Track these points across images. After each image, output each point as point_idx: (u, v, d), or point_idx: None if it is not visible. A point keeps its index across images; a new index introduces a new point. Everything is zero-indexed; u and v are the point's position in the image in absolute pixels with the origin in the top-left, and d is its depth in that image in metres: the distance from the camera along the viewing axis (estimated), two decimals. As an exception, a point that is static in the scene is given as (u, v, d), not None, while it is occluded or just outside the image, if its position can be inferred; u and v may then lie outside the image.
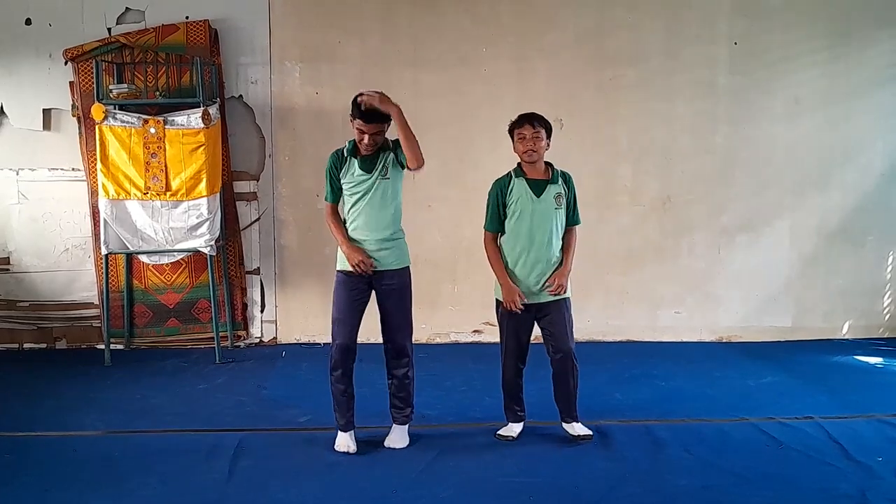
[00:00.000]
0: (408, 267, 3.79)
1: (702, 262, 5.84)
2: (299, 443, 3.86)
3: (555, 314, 3.81)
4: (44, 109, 5.53)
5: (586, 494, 3.31)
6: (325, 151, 3.83)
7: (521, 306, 3.74)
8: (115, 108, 5.20)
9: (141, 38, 5.39)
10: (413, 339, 3.87)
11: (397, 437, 3.82)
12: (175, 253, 5.30)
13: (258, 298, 5.78)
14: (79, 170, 5.56)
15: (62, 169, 5.58)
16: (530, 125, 3.74)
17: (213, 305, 5.35)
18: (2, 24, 5.48)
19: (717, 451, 3.74)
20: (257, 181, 5.72)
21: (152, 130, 5.14)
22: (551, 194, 3.76)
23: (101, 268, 5.38)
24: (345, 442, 3.74)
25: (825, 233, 5.86)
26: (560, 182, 3.80)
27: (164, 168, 5.15)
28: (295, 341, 5.76)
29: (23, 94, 5.52)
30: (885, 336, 5.90)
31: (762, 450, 3.77)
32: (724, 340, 5.86)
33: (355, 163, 3.68)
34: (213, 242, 5.23)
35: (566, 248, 3.82)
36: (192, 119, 5.13)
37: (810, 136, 5.78)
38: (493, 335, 5.57)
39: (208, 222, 5.20)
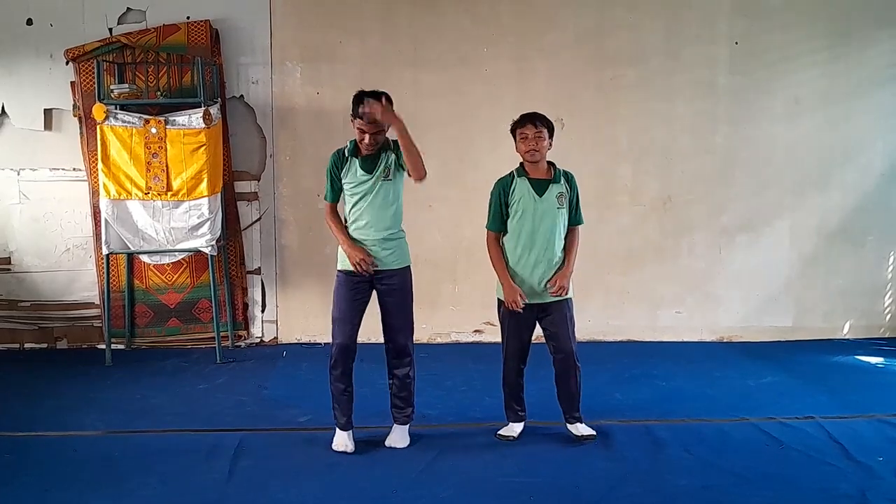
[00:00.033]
0: (408, 266, 3.79)
1: (702, 262, 5.84)
2: (299, 443, 3.86)
3: (556, 314, 3.81)
4: (45, 109, 5.54)
5: (586, 494, 3.31)
6: (325, 151, 3.84)
7: (522, 306, 3.74)
8: (116, 108, 5.21)
9: (142, 38, 5.40)
10: (414, 339, 3.87)
11: (398, 437, 3.83)
12: (176, 253, 5.30)
13: (259, 298, 5.79)
14: (80, 170, 5.57)
15: (63, 169, 5.59)
16: (532, 125, 3.74)
17: (213, 305, 5.35)
18: (3, 25, 5.49)
19: (717, 451, 3.74)
20: (258, 181, 5.72)
21: (153, 130, 5.14)
22: (553, 194, 3.77)
23: (102, 268, 5.38)
24: (343, 441, 3.75)
25: (825, 233, 5.86)
26: (562, 182, 3.80)
27: (165, 168, 5.16)
28: (295, 341, 5.77)
29: (24, 94, 5.52)
30: (886, 336, 5.90)
31: (762, 450, 3.77)
32: (725, 340, 5.86)
33: (356, 163, 3.68)
34: (214, 242, 5.23)
35: (568, 248, 3.82)
36: (193, 119, 5.13)
37: (810, 136, 5.78)
38: (493, 335, 5.58)
39: (209, 222, 5.20)
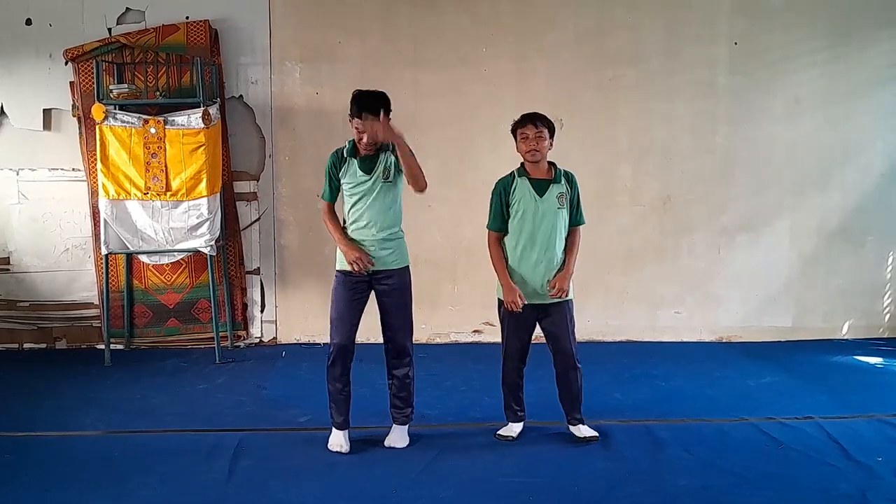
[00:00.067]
0: (407, 267, 3.79)
1: (702, 262, 5.84)
2: (299, 443, 3.86)
3: (556, 315, 3.81)
4: (44, 109, 5.54)
5: (586, 494, 3.31)
6: (325, 151, 3.83)
7: (521, 307, 3.74)
8: (115, 108, 5.21)
9: (141, 38, 5.40)
10: (413, 339, 3.87)
11: (397, 437, 3.83)
12: (175, 253, 5.30)
13: (258, 298, 5.78)
14: (79, 170, 5.56)
15: (62, 169, 5.58)
16: (533, 125, 3.74)
17: (213, 305, 5.35)
18: (2, 25, 5.49)
19: (717, 451, 3.74)
20: (257, 181, 5.72)
21: (152, 130, 5.14)
22: (554, 194, 3.76)
23: (102, 268, 5.38)
24: (338, 441, 3.75)
25: (825, 233, 5.86)
26: (563, 182, 3.79)
27: (164, 168, 5.16)
28: (295, 341, 5.77)
29: (23, 94, 5.52)
30: (886, 336, 5.90)
31: (762, 450, 3.77)
32: (724, 340, 5.86)
33: (355, 163, 3.68)
34: (213, 242, 5.23)
35: (569, 249, 3.81)
36: (192, 119, 5.13)
37: (810, 136, 5.78)
38: (493, 335, 5.58)
39: (208, 222, 5.20)
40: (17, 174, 5.58)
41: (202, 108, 5.13)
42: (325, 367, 3.77)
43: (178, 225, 5.19)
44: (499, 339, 3.98)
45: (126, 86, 5.26)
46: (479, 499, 3.29)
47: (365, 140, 3.59)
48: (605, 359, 5.25)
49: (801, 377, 4.95)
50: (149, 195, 5.17)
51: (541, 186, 3.76)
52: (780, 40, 5.72)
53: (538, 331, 3.88)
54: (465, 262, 5.71)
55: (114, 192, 5.16)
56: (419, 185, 3.62)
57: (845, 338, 5.88)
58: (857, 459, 3.61)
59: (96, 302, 5.62)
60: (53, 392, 4.68)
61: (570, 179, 3.83)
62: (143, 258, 5.41)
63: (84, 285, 5.66)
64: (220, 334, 5.44)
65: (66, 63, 5.44)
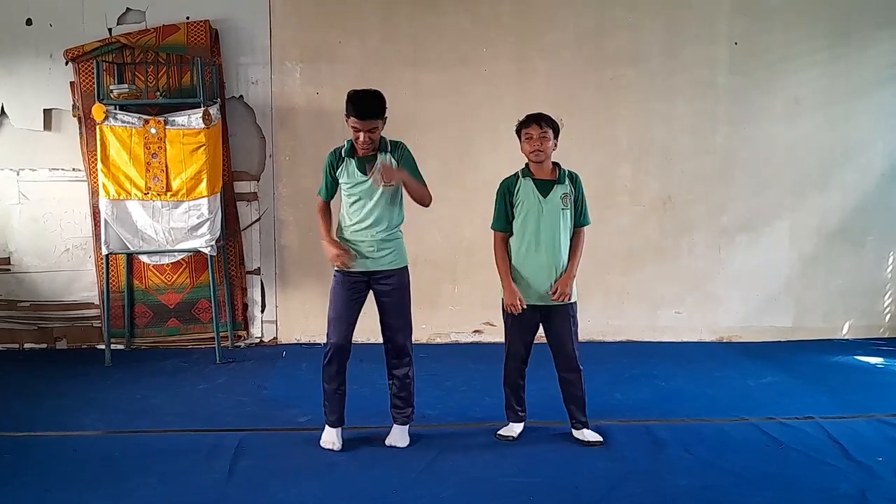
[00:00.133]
0: (406, 267, 3.79)
1: (702, 262, 5.85)
2: (299, 443, 3.86)
3: (560, 318, 3.80)
4: (44, 109, 5.54)
5: (586, 494, 3.31)
6: (325, 151, 3.83)
7: (521, 309, 3.74)
8: (115, 109, 5.21)
9: (141, 38, 5.40)
10: (413, 339, 3.87)
11: (398, 437, 3.83)
12: (175, 253, 5.30)
13: (258, 298, 5.79)
14: (79, 170, 5.56)
15: (63, 169, 5.58)
16: (537, 125, 3.74)
17: (213, 305, 5.35)
18: (2, 25, 5.49)
19: (717, 451, 3.74)
20: (258, 181, 5.72)
21: (153, 131, 5.14)
22: (558, 195, 3.76)
23: (102, 268, 5.38)
24: (331, 438, 3.76)
25: (825, 233, 5.86)
26: (567, 182, 3.79)
27: (164, 168, 5.16)
28: (295, 341, 5.77)
29: (23, 94, 5.52)
30: (886, 336, 5.90)
31: (762, 450, 3.77)
32: (724, 340, 5.86)
33: (353, 163, 3.68)
34: (213, 242, 5.23)
35: (573, 250, 3.80)
36: (192, 119, 5.13)
37: (810, 136, 5.78)
38: (493, 335, 5.60)
39: (209, 222, 5.20)
40: (18, 174, 5.58)
41: (202, 109, 5.13)
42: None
43: (178, 225, 5.19)
44: (499, 339, 3.99)
45: (126, 86, 5.26)
46: (479, 499, 3.29)
47: (361, 139, 3.58)
48: (605, 359, 5.25)
49: (801, 377, 4.95)
50: (149, 195, 5.18)
51: (545, 187, 3.76)
52: (780, 40, 5.72)
53: (540, 331, 3.88)
54: (465, 262, 5.72)
55: (114, 192, 5.17)
56: (424, 203, 3.75)
57: (845, 338, 5.88)
58: (857, 459, 3.62)
59: (97, 302, 5.62)
60: (54, 392, 4.68)
61: (574, 180, 3.82)
62: (144, 258, 5.41)
63: (84, 285, 5.66)
64: (221, 334, 5.44)
65: (67, 63, 5.44)
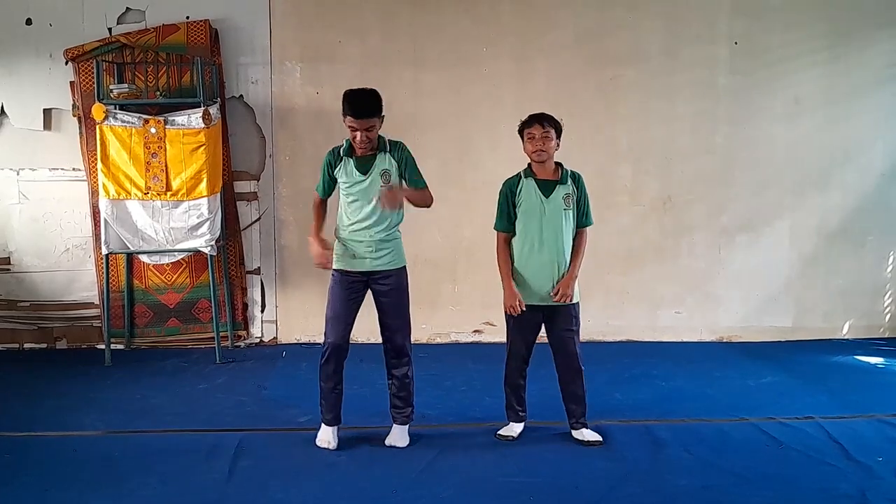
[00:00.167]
0: (404, 267, 3.79)
1: (702, 262, 5.84)
2: (299, 443, 3.85)
3: (562, 318, 3.80)
4: (44, 109, 5.54)
5: (586, 494, 3.31)
6: (325, 151, 3.82)
7: (520, 311, 3.74)
8: (115, 108, 5.21)
9: (141, 38, 5.40)
10: (413, 339, 3.87)
11: (398, 437, 3.83)
12: (175, 253, 5.30)
13: (258, 298, 5.79)
14: (79, 170, 5.56)
15: (63, 169, 5.58)
16: (540, 125, 3.74)
17: (213, 305, 5.35)
18: (2, 24, 5.48)
19: (717, 451, 3.74)
20: (258, 181, 5.72)
21: (153, 130, 5.14)
22: (560, 195, 3.75)
23: (102, 268, 5.38)
24: (326, 437, 3.77)
25: (825, 233, 5.86)
26: (569, 182, 3.78)
27: (164, 168, 5.16)
28: (295, 341, 5.77)
29: (23, 94, 5.52)
30: (886, 336, 5.90)
31: (762, 450, 3.77)
32: (724, 340, 5.86)
33: (351, 162, 3.68)
34: (213, 242, 5.23)
35: (575, 251, 3.79)
36: (192, 119, 5.13)
37: (810, 136, 5.78)
38: (493, 335, 5.60)
39: (209, 222, 5.20)
40: (18, 174, 5.58)
41: (202, 108, 5.13)
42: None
43: (178, 225, 5.19)
44: (499, 339, 3.99)
45: (126, 86, 5.26)
46: (479, 499, 3.29)
47: (359, 138, 3.58)
48: (605, 359, 5.25)
49: (801, 377, 4.95)
50: (149, 195, 5.18)
51: (547, 187, 3.75)
52: (780, 40, 5.72)
53: (542, 331, 3.87)
54: (465, 262, 5.71)
55: (114, 192, 5.17)
56: (426, 206, 3.77)
57: (845, 338, 5.88)
58: (857, 459, 3.62)
59: (97, 302, 5.62)
60: (53, 392, 4.68)
61: (576, 180, 3.81)
62: (144, 258, 5.41)
63: (84, 285, 5.66)
64: (221, 334, 5.44)
65: (67, 63, 5.44)
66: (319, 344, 5.47)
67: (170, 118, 5.16)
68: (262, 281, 5.78)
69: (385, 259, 3.71)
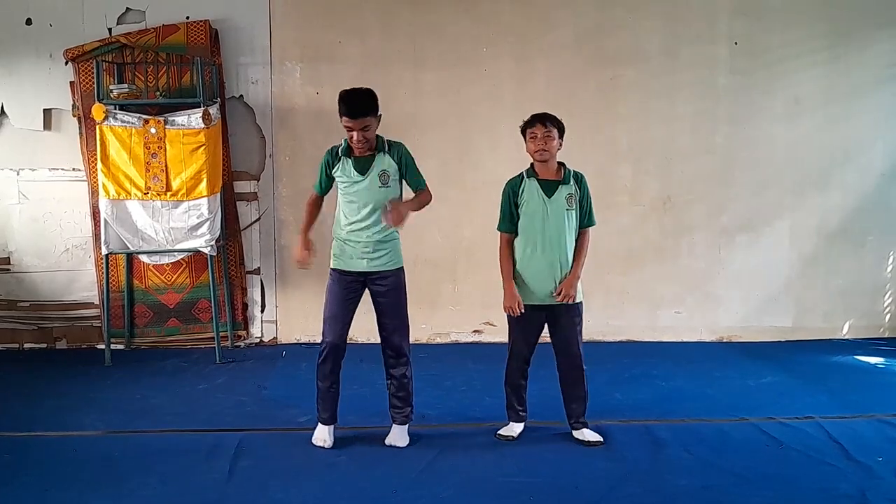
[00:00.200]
0: (401, 268, 3.78)
1: (702, 262, 5.84)
2: (299, 443, 3.85)
3: (565, 318, 3.80)
4: (44, 109, 5.54)
5: (586, 494, 3.31)
6: (324, 151, 3.83)
7: (519, 313, 3.74)
8: (115, 108, 5.21)
9: (141, 38, 5.40)
10: (413, 339, 3.88)
11: (397, 437, 3.83)
12: (175, 253, 5.30)
13: (258, 298, 5.79)
14: (79, 170, 5.56)
15: (63, 169, 5.58)
16: (542, 125, 3.74)
17: (213, 305, 5.35)
18: (2, 24, 5.49)
19: (717, 451, 3.74)
20: (258, 181, 5.72)
21: (153, 130, 5.14)
22: (563, 195, 3.75)
23: (102, 268, 5.38)
24: (322, 436, 3.78)
25: (825, 233, 5.86)
26: (572, 182, 3.78)
27: (164, 168, 5.16)
28: (295, 341, 5.77)
29: (23, 94, 5.52)
30: (886, 336, 5.90)
31: (762, 450, 3.77)
32: (724, 340, 5.86)
33: (350, 163, 3.67)
34: (213, 242, 5.23)
35: (578, 251, 3.79)
36: (192, 119, 5.13)
37: (810, 136, 5.78)
38: (493, 335, 5.60)
39: (209, 222, 5.20)
40: (18, 174, 5.58)
41: (202, 108, 5.13)
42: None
43: (178, 225, 5.19)
44: (499, 339, 4.00)
45: (126, 86, 5.26)
46: (479, 499, 3.29)
47: (356, 138, 3.57)
48: (605, 359, 5.25)
49: (801, 377, 4.95)
50: (149, 195, 5.18)
51: (549, 187, 3.75)
52: (780, 40, 5.72)
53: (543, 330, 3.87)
54: (465, 262, 5.71)
55: (114, 192, 5.17)
56: (427, 204, 3.76)
57: (845, 338, 5.88)
58: (857, 459, 3.62)
59: (96, 302, 5.62)
60: (53, 392, 4.68)
61: (579, 180, 3.81)
62: (144, 258, 5.41)
63: (84, 285, 5.66)
64: (221, 334, 5.44)
65: (67, 63, 5.45)
66: (319, 344, 5.53)
67: (170, 118, 5.16)
68: (261, 281, 5.78)
69: (382, 260, 3.71)
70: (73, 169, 5.57)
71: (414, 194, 3.75)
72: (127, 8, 5.49)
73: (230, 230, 5.65)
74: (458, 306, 5.78)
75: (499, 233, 3.85)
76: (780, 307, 5.88)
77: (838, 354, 5.48)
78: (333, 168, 3.71)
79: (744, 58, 5.70)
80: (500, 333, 3.99)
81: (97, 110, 5.10)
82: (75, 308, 5.68)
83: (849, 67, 5.75)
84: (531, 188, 3.76)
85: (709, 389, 4.71)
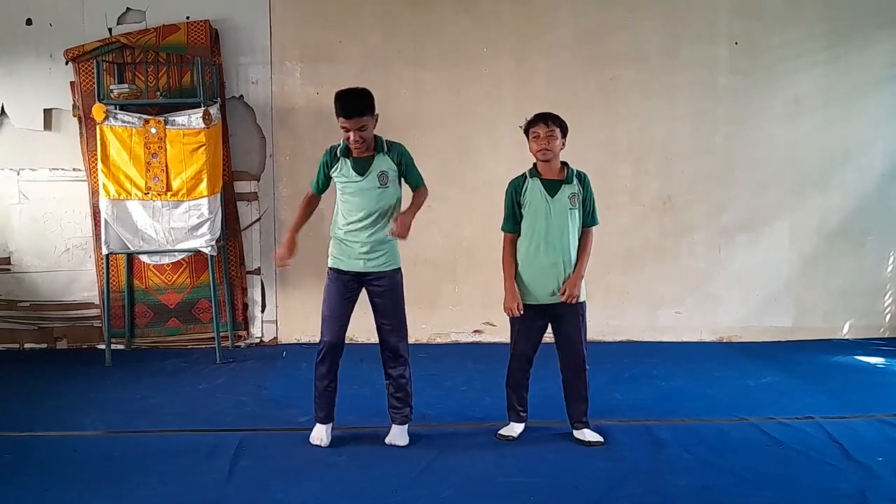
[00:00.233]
0: (399, 268, 3.78)
1: (702, 262, 5.85)
2: (299, 443, 3.85)
3: (569, 318, 3.79)
4: (44, 109, 5.54)
5: (586, 494, 3.31)
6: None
7: (518, 314, 3.74)
8: (115, 108, 5.21)
9: (142, 38, 5.40)
10: (413, 339, 3.89)
11: (397, 436, 3.82)
12: (176, 253, 5.30)
13: (259, 298, 5.79)
14: (79, 170, 5.57)
15: (63, 169, 5.58)
16: (545, 124, 3.74)
17: (213, 305, 5.35)
18: (2, 24, 5.49)
19: (717, 451, 3.74)
20: (258, 181, 5.72)
21: (153, 130, 5.14)
22: (566, 194, 3.75)
23: (102, 268, 5.38)
24: (319, 435, 3.78)
25: (825, 233, 5.86)
26: (575, 182, 3.78)
27: (164, 168, 5.16)
28: (295, 341, 5.77)
29: (23, 94, 5.52)
30: (886, 336, 5.90)
31: (762, 450, 3.77)
32: (724, 340, 5.86)
33: (348, 163, 3.67)
34: (213, 242, 5.23)
35: (581, 251, 3.79)
36: (192, 119, 5.13)
37: (810, 136, 5.78)
38: (493, 335, 5.60)
39: (209, 222, 5.20)
40: (18, 174, 5.58)
41: (203, 108, 5.13)
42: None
43: (178, 225, 5.19)
44: (500, 339, 4.00)
45: (126, 86, 5.26)
46: (479, 499, 3.29)
47: (353, 138, 3.57)
48: (605, 359, 5.23)
49: (801, 377, 4.95)
50: (149, 195, 5.18)
51: (552, 187, 3.75)
52: (780, 40, 5.72)
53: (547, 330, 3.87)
54: (465, 262, 5.71)
55: (114, 192, 5.17)
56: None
57: (846, 338, 5.88)
58: (857, 459, 3.62)
59: (97, 302, 5.62)
60: (53, 392, 4.68)
61: (582, 180, 3.81)
62: (144, 258, 5.41)
63: (84, 285, 5.66)
64: (221, 334, 5.44)
65: (67, 63, 5.45)
66: (317, 343, 5.53)
67: (170, 118, 5.16)
68: (262, 281, 5.78)
69: (380, 261, 3.70)
70: (74, 169, 5.57)
71: (413, 193, 3.74)
72: (127, 8, 5.49)
73: (230, 230, 5.65)
74: (458, 306, 5.78)
75: (503, 233, 3.85)
76: (780, 307, 5.88)
77: (838, 354, 5.48)
78: (332, 168, 3.71)
79: (744, 58, 5.70)
80: (500, 333, 3.99)
81: (97, 110, 5.10)
82: (75, 308, 5.68)
83: (849, 67, 5.75)
84: (534, 188, 3.76)
85: (709, 389, 4.71)
